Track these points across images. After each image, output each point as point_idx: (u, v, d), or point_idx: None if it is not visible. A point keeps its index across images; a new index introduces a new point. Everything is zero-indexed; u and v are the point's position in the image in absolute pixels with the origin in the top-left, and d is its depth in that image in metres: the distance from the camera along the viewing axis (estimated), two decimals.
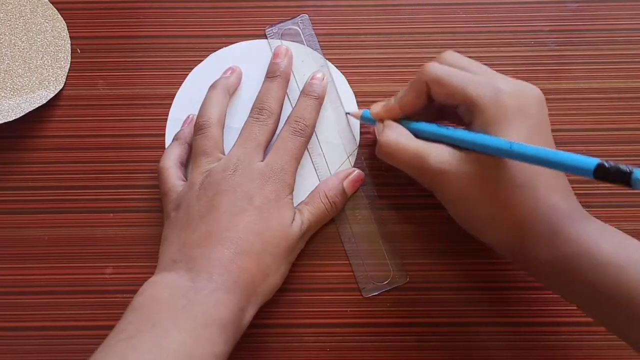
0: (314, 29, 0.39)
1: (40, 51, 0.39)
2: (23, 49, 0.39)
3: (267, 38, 0.39)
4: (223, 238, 0.30)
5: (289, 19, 0.39)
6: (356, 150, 0.37)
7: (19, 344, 0.35)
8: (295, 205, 0.35)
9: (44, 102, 0.38)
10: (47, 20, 0.39)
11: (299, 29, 0.39)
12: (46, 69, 0.39)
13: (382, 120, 0.33)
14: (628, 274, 0.26)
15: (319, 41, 0.39)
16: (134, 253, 0.36)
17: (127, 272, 0.36)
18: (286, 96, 0.37)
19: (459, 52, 0.39)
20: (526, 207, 0.28)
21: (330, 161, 0.37)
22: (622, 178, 0.22)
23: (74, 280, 0.36)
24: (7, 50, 0.38)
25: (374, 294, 0.36)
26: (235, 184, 0.32)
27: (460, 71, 0.31)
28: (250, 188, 0.32)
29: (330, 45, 0.39)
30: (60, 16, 0.40)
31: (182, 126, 0.37)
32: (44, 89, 0.38)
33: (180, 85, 0.39)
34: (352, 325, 0.35)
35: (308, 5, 0.40)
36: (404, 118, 0.33)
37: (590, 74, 0.39)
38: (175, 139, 0.37)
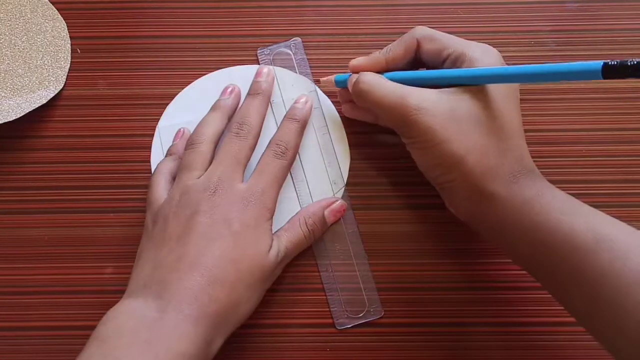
0: (305, 52, 0.39)
1: (40, 51, 0.39)
2: (23, 49, 0.39)
3: (258, 59, 0.39)
4: (197, 264, 0.30)
5: (282, 41, 0.39)
6: (342, 182, 0.37)
7: (19, 344, 0.35)
8: (274, 230, 0.34)
9: (44, 102, 0.38)
10: (47, 20, 0.39)
11: (290, 52, 0.39)
12: (46, 69, 0.39)
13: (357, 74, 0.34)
14: (574, 221, 0.28)
15: (310, 65, 0.39)
16: (134, 253, 0.36)
17: (127, 272, 0.36)
18: (274, 120, 0.37)
19: None
20: (496, 151, 0.30)
21: (313, 188, 0.36)
22: (630, 70, 0.23)
23: (74, 280, 0.36)
24: (7, 50, 0.38)
25: (347, 326, 0.35)
26: (215, 205, 0.31)
27: (445, 34, 0.33)
28: (229, 212, 0.31)
29: (331, 46, 0.39)
30: (60, 16, 0.40)
31: (173, 140, 0.37)
32: (44, 89, 0.38)
33: (179, 85, 0.39)
34: (360, 323, 0.35)
35: (308, 5, 0.40)
36: (387, 71, 0.34)
37: None
38: (168, 153, 0.37)
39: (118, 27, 0.40)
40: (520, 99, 0.32)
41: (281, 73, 0.38)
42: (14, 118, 0.37)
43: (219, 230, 0.31)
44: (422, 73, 0.33)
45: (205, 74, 0.39)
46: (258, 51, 0.39)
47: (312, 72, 0.39)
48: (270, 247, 0.32)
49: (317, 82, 0.38)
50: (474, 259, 0.36)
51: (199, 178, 0.33)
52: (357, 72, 0.34)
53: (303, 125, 0.36)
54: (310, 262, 0.36)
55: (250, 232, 0.31)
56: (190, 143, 0.34)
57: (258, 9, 0.40)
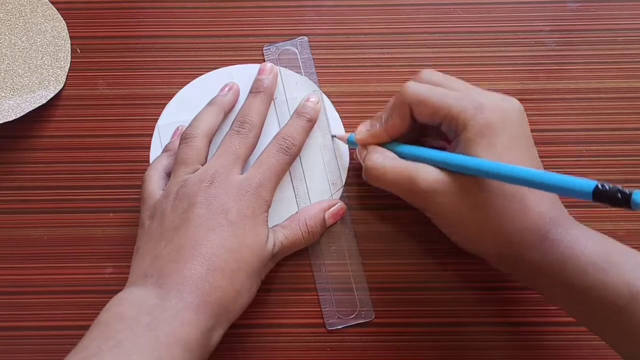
0: (311, 51, 0.39)
1: (40, 51, 0.39)
2: (23, 49, 0.39)
3: (263, 56, 0.39)
4: (197, 254, 0.30)
5: (289, 39, 0.39)
6: (341, 183, 0.37)
7: (19, 344, 0.35)
8: (271, 225, 0.34)
9: (44, 102, 0.38)
10: (47, 20, 0.39)
11: (296, 51, 0.39)
12: (46, 69, 0.39)
13: (366, 147, 0.33)
14: (608, 275, 0.27)
15: (315, 65, 0.38)
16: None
17: (127, 272, 0.36)
18: (276, 119, 0.37)
19: (459, 52, 0.39)
20: (516, 217, 0.29)
21: (312, 188, 0.36)
22: (621, 200, 0.22)
23: (74, 280, 0.36)
24: (7, 50, 0.38)
25: (338, 327, 0.35)
26: (211, 196, 0.31)
27: (440, 89, 0.31)
28: (226, 201, 0.31)
29: (332, 46, 0.39)
30: (60, 16, 0.40)
31: (172, 137, 0.37)
32: (44, 89, 0.38)
33: (179, 85, 0.39)
34: (351, 325, 0.35)
35: (308, 5, 0.40)
36: (390, 142, 0.33)
37: (590, 74, 0.39)
38: (164, 150, 0.37)
39: (118, 27, 0.40)
40: (520, 99, 0.31)
41: (285, 72, 0.38)
42: (13, 118, 0.37)
43: (216, 220, 0.31)
44: (428, 153, 0.31)
45: (205, 74, 0.39)
46: (264, 48, 0.39)
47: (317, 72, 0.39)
48: (267, 237, 0.32)
49: (332, 136, 0.37)
50: (474, 258, 0.36)
51: (195, 171, 0.33)
52: (365, 145, 0.34)
53: (312, 123, 0.36)
54: (304, 262, 0.36)
55: (247, 222, 0.32)
56: (184, 137, 0.34)
57: (258, 8, 0.40)
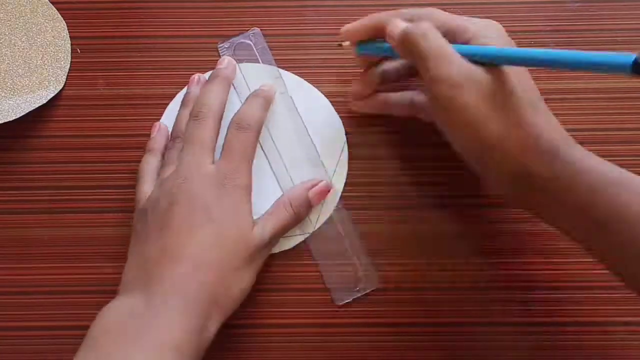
0: (266, 41, 0.39)
1: (40, 51, 0.39)
2: (23, 49, 0.39)
3: (219, 53, 0.39)
4: (180, 255, 0.30)
5: (241, 33, 0.39)
6: (320, 161, 0.37)
7: (19, 344, 0.35)
8: (259, 215, 0.34)
9: (44, 102, 0.38)
10: (47, 20, 0.39)
11: (251, 43, 0.39)
12: (46, 69, 0.39)
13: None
14: (619, 191, 0.27)
15: (279, 64, 0.39)
16: None
17: None
18: None
19: None
20: (532, 127, 0.29)
21: (295, 176, 0.36)
22: None
23: (74, 280, 0.36)
24: (7, 50, 0.38)
25: (347, 301, 0.35)
26: (189, 194, 0.31)
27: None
28: (205, 198, 0.31)
29: (332, 46, 0.39)
30: (60, 16, 0.40)
31: (151, 134, 0.37)
32: (44, 89, 0.38)
33: (179, 85, 0.39)
34: (350, 325, 0.35)
35: (308, 5, 0.40)
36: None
37: (590, 74, 0.39)
38: (148, 150, 0.36)
39: (118, 27, 0.40)
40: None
41: (244, 66, 0.38)
42: (14, 118, 0.37)
43: (197, 219, 0.31)
44: (478, 49, 0.30)
45: (205, 74, 0.39)
46: (218, 46, 0.39)
47: (275, 60, 0.39)
48: (254, 225, 0.32)
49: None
50: (474, 258, 0.36)
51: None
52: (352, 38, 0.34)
53: (267, 100, 0.36)
54: (304, 262, 0.36)
55: (229, 215, 0.32)
56: (171, 140, 0.36)
57: (259, 8, 0.40)
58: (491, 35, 0.30)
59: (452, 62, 0.29)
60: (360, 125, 0.38)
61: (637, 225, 0.26)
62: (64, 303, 0.36)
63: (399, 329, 0.35)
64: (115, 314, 0.29)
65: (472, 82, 0.29)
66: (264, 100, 0.36)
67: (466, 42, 0.30)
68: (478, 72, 0.29)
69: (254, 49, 0.39)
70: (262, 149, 0.37)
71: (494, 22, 0.32)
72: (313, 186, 0.35)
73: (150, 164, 0.35)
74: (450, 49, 0.29)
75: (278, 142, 0.37)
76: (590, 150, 0.38)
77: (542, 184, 0.29)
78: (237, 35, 0.39)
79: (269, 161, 0.37)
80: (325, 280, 0.36)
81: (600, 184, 0.28)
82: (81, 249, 0.37)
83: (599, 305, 0.35)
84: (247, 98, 0.36)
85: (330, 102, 0.38)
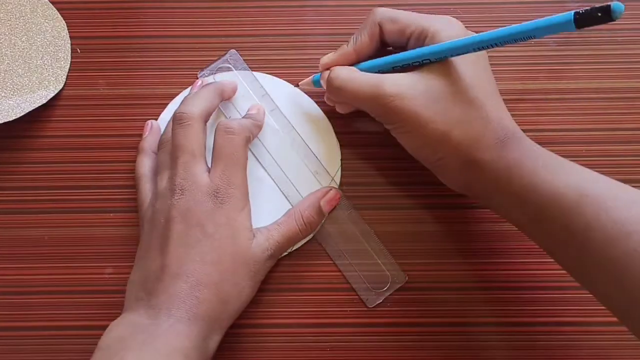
0: (245, 60, 0.39)
1: (40, 51, 0.39)
2: (23, 49, 0.39)
3: (201, 82, 0.38)
4: (180, 272, 0.30)
5: (217, 59, 0.39)
6: (324, 170, 0.37)
7: (19, 344, 0.35)
8: (268, 224, 0.34)
9: (44, 102, 0.38)
10: (47, 20, 0.39)
11: (230, 66, 0.39)
12: (46, 69, 0.39)
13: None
14: (558, 176, 0.28)
15: (279, 64, 0.39)
16: (134, 253, 0.36)
17: (127, 272, 0.36)
18: None
19: None
20: (477, 122, 0.30)
21: (299, 186, 0.36)
22: (601, 13, 0.24)
23: (74, 280, 0.36)
24: (7, 50, 0.38)
25: (379, 302, 0.35)
26: (185, 210, 0.31)
27: (405, 11, 0.33)
28: (200, 215, 0.31)
29: (332, 46, 0.39)
30: (60, 16, 0.40)
31: (144, 134, 0.37)
32: (44, 89, 0.38)
33: (179, 85, 0.39)
34: (352, 325, 0.35)
35: (308, 4, 0.40)
36: (358, 62, 0.34)
37: (590, 74, 0.39)
38: (140, 151, 0.36)
39: (118, 27, 0.40)
40: (520, 99, 0.32)
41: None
42: (13, 118, 0.37)
43: (194, 236, 0.31)
44: (389, 57, 0.32)
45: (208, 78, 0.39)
46: (199, 74, 0.39)
47: (272, 60, 0.39)
48: (253, 238, 0.33)
49: (296, 85, 0.38)
50: (474, 259, 0.36)
51: (168, 179, 0.33)
52: (328, 69, 0.34)
53: (258, 123, 0.36)
54: (305, 262, 0.36)
55: (225, 231, 0.31)
56: (160, 142, 0.35)
57: (259, 8, 0.40)
58: (451, 32, 0.31)
59: (383, 82, 0.31)
60: (353, 125, 0.38)
61: (571, 212, 0.27)
62: (64, 303, 0.36)
63: (398, 329, 0.35)
64: (124, 326, 0.30)
65: (410, 89, 0.31)
66: (254, 122, 0.36)
67: (425, 43, 0.31)
68: (415, 78, 0.31)
69: (235, 71, 0.39)
70: (262, 166, 0.37)
71: (453, 19, 0.32)
72: (323, 195, 0.35)
73: (145, 166, 0.36)
74: (376, 77, 0.31)
75: (277, 157, 0.37)
76: (590, 150, 0.38)
77: (487, 174, 0.30)
78: (239, 35, 0.39)
79: (270, 176, 0.37)
80: (350, 281, 0.36)
81: (542, 171, 0.29)
82: (81, 249, 0.37)
83: None
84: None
85: (316, 102, 0.38)
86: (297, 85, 0.38)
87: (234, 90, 0.37)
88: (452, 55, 0.30)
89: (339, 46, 0.35)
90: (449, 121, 0.30)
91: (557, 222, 0.28)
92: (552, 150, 0.37)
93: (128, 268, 0.35)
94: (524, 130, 0.32)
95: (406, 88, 0.31)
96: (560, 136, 0.38)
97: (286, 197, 0.36)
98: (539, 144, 0.31)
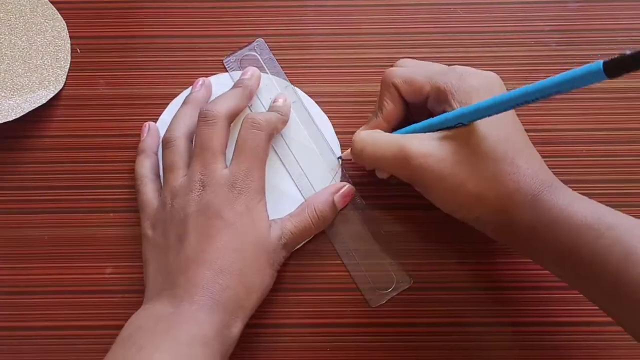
0: (271, 51, 0.39)
1: (40, 51, 0.39)
2: (23, 48, 0.39)
3: (225, 69, 0.39)
4: (203, 261, 0.31)
5: (245, 45, 0.39)
6: (339, 166, 0.37)
7: (19, 344, 0.35)
8: (282, 216, 0.35)
9: (44, 102, 0.38)
10: (47, 20, 0.39)
11: (257, 54, 0.39)
12: (46, 69, 0.39)
13: None
14: (602, 235, 0.27)
15: (279, 63, 0.39)
16: (134, 253, 0.36)
17: (127, 272, 0.36)
18: None
19: (459, 52, 0.39)
20: (509, 178, 0.29)
21: (313, 179, 0.36)
22: (633, 60, 0.22)
23: (74, 280, 0.36)
24: (7, 50, 0.38)
25: (382, 302, 0.35)
26: (204, 203, 0.32)
27: (420, 67, 0.33)
28: (219, 206, 0.32)
29: (333, 46, 0.39)
30: (60, 16, 0.40)
31: (141, 135, 0.37)
32: (44, 89, 0.38)
33: (179, 85, 0.39)
34: (352, 325, 0.35)
35: (309, 4, 0.40)
36: (392, 129, 0.33)
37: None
38: (139, 151, 0.36)
39: (118, 27, 0.40)
40: None
41: None
42: (13, 118, 0.37)
43: (214, 226, 0.31)
44: (427, 122, 0.31)
45: (205, 74, 0.39)
46: (224, 60, 0.39)
47: (284, 71, 0.39)
48: (270, 227, 0.33)
49: (339, 157, 0.37)
50: (475, 259, 0.36)
51: (183, 177, 0.33)
52: None
53: (284, 118, 0.36)
54: (305, 262, 0.36)
55: (244, 219, 0.32)
56: (166, 142, 0.35)
57: (259, 8, 0.40)
58: (477, 94, 0.30)
59: (409, 143, 0.30)
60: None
61: (618, 271, 0.27)
62: (64, 303, 0.36)
63: (398, 329, 0.35)
64: (146, 317, 0.30)
65: (437, 150, 0.30)
66: (281, 117, 0.36)
67: (450, 109, 0.30)
68: (441, 139, 0.30)
69: (260, 60, 0.39)
70: (279, 157, 0.37)
71: (468, 70, 0.31)
72: (337, 190, 0.36)
73: (145, 167, 0.36)
74: (401, 140, 0.31)
75: (297, 154, 0.37)
76: (590, 150, 0.38)
77: (525, 231, 0.30)
78: (239, 35, 0.39)
79: (286, 167, 0.37)
80: (355, 281, 0.36)
81: (583, 228, 0.28)
82: (81, 249, 0.37)
83: None
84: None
85: (331, 102, 0.38)
86: (339, 158, 0.37)
87: (258, 84, 0.38)
88: (473, 120, 0.29)
89: (339, 45, 0.35)
90: (480, 183, 0.29)
91: (604, 280, 0.27)
92: (552, 150, 0.37)
93: (128, 268, 0.35)
94: (524, 130, 0.31)
95: (432, 149, 0.30)
96: (561, 136, 0.38)
97: (300, 191, 0.36)
98: (540, 143, 0.31)
